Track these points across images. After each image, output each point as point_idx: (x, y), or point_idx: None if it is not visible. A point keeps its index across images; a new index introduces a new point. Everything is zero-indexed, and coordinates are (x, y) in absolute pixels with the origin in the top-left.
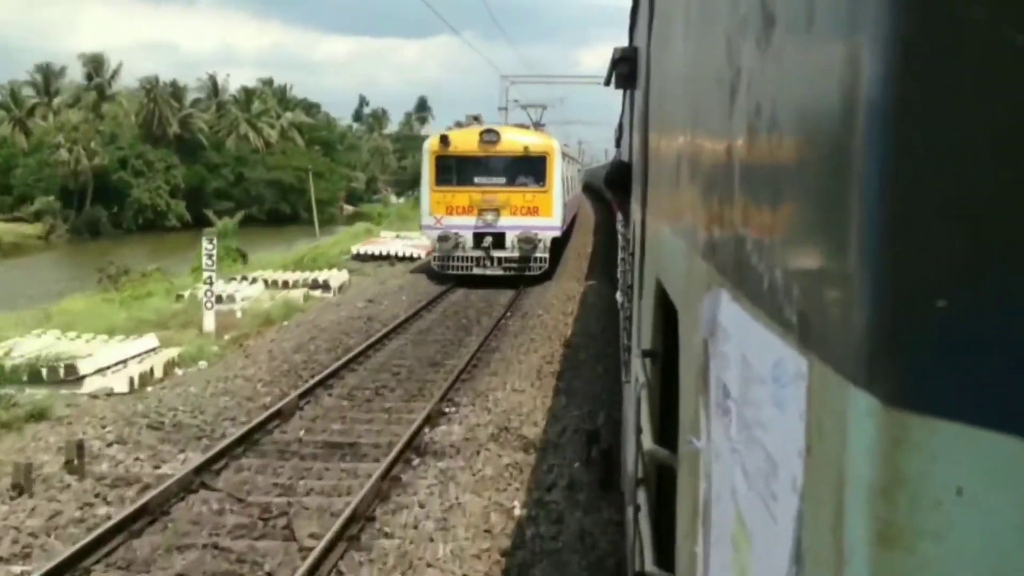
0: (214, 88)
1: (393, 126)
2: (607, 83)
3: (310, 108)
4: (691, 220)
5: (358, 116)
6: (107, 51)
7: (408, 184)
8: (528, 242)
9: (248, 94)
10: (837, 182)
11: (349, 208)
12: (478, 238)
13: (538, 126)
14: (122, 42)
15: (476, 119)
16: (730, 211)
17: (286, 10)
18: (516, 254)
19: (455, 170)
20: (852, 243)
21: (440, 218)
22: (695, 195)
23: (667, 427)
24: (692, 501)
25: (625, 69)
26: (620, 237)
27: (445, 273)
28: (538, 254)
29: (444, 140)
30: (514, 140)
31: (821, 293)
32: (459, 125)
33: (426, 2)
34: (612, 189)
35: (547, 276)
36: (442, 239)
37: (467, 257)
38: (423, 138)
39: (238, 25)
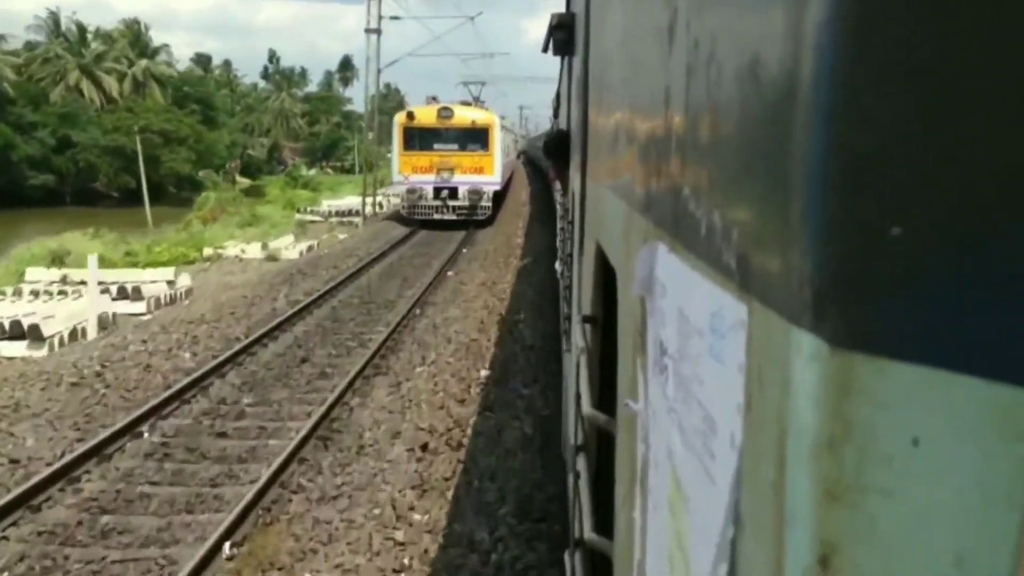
0: (55, 28)
1: (314, 88)
2: (544, 50)
3: (207, 63)
4: (629, 177)
5: (266, 74)
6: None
7: (322, 152)
8: (476, 194)
9: (81, 32)
10: (778, 112)
11: (244, 181)
12: (437, 191)
13: (477, 100)
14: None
15: (434, 99)
16: (667, 160)
17: None
18: (467, 203)
19: (418, 138)
20: (796, 168)
21: (408, 176)
22: (634, 151)
23: (606, 392)
24: (630, 466)
25: (562, 35)
26: (559, 207)
27: (412, 218)
28: (483, 203)
29: (410, 115)
30: (464, 116)
31: (762, 230)
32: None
33: None
34: (551, 158)
35: (490, 222)
36: (409, 192)
37: (429, 206)
38: (339, 100)
39: None
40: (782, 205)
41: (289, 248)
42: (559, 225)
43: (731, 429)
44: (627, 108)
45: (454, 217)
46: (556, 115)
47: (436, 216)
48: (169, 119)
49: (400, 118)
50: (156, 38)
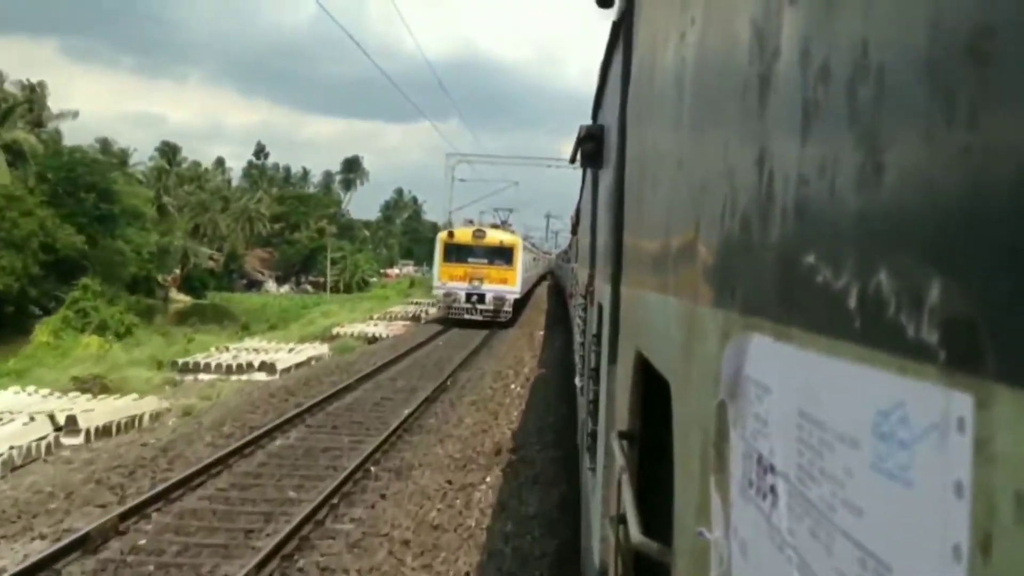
0: None
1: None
2: (572, 161)
3: (174, 154)
4: (696, 268)
5: (249, 170)
6: (94, 121)
7: (300, 264)
8: (500, 300)
9: None
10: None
11: (183, 299)
12: (468, 296)
13: (505, 223)
14: (111, 113)
15: (471, 222)
16: (762, 227)
17: (272, 88)
18: (492, 307)
19: (455, 252)
20: None
21: (446, 283)
22: (703, 235)
23: (648, 517)
24: None
25: (591, 147)
26: (579, 321)
27: (448, 317)
28: (506, 308)
29: (451, 234)
30: (494, 236)
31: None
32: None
33: (404, 94)
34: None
35: (511, 323)
36: (446, 295)
37: (461, 307)
38: (323, 200)
39: (226, 103)
40: None
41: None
42: (577, 339)
43: None
44: (684, 195)
45: (481, 318)
46: (575, 231)
47: (467, 316)
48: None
49: (442, 236)
50: (200, 151)
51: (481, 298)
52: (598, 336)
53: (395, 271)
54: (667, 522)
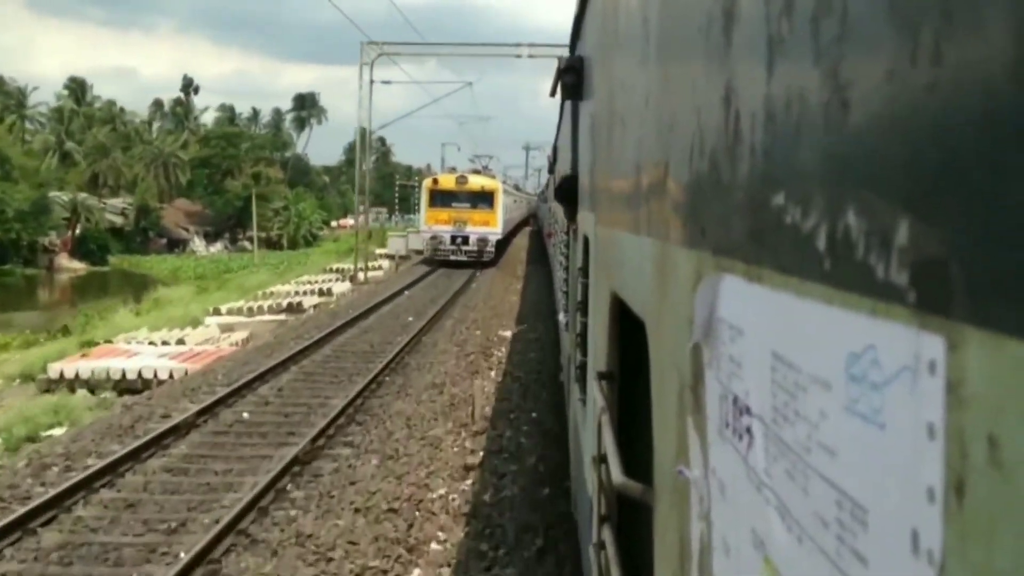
0: None
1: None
2: (552, 94)
3: (81, 89)
4: (668, 207)
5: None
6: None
7: (234, 218)
8: (483, 241)
9: None
10: None
11: (77, 267)
12: (453, 239)
13: (486, 169)
14: (81, 68)
15: (453, 169)
16: (730, 166)
17: (245, 36)
18: (475, 248)
19: (439, 198)
20: None
21: (431, 227)
22: (673, 174)
23: (629, 456)
24: (679, 544)
25: (571, 79)
26: (561, 259)
27: (434, 259)
28: (488, 248)
29: (435, 181)
30: (475, 182)
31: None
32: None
33: (368, 37)
34: (563, 202)
35: (493, 263)
36: (432, 238)
37: (447, 249)
38: (265, 142)
39: (199, 54)
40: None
41: None
42: (560, 276)
43: (908, 525)
44: (653, 133)
45: (465, 258)
46: (552, 169)
47: (452, 257)
48: None
49: (427, 183)
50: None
51: (465, 240)
52: (584, 268)
53: (349, 221)
54: (649, 461)
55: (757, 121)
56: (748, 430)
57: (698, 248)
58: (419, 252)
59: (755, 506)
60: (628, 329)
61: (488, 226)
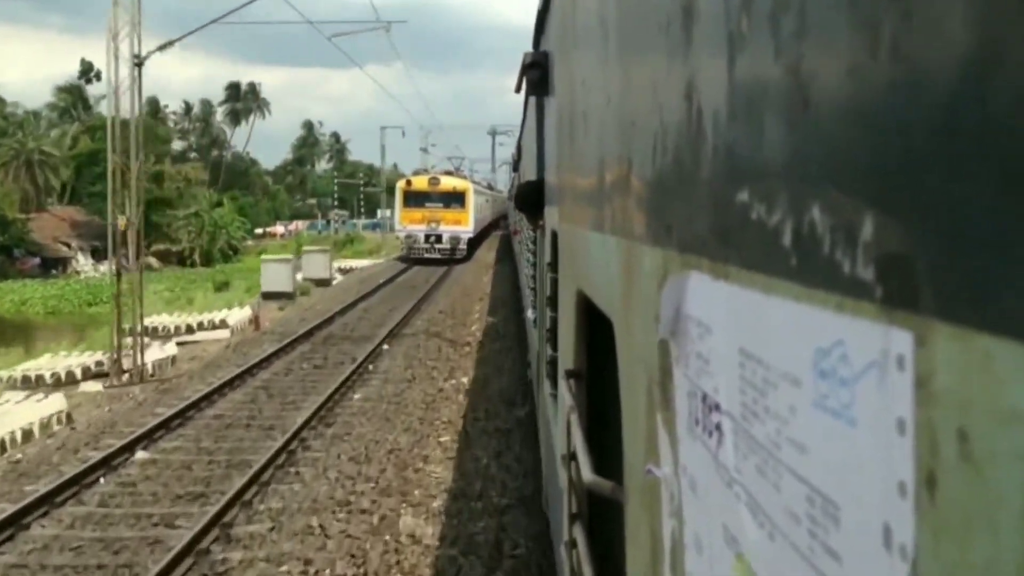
0: None
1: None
2: (517, 90)
3: None
4: (633, 206)
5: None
6: (27, 85)
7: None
8: (455, 239)
9: None
10: None
11: None
12: (427, 237)
13: (458, 170)
14: (42, 75)
15: (425, 171)
16: (693, 163)
17: (208, 41)
18: (448, 246)
19: (413, 199)
20: None
21: (406, 226)
22: (636, 172)
23: (599, 453)
24: (651, 541)
25: (536, 75)
26: (528, 256)
27: (410, 257)
28: (461, 246)
29: (408, 183)
30: (447, 182)
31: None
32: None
33: (334, 43)
34: (524, 210)
35: (466, 259)
36: (407, 237)
37: (421, 247)
38: (168, 135)
39: (163, 58)
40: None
41: None
42: (527, 272)
43: (881, 520)
44: (625, 125)
45: (439, 256)
46: (516, 167)
47: (426, 255)
48: None
49: (401, 184)
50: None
51: (439, 238)
52: (553, 264)
53: (280, 229)
54: (619, 459)
55: (720, 118)
56: (718, 427)
57: (664, 246)
58: (322, 283)
59: (726, 503)
60: (595, 327)
61: (460, 225)
